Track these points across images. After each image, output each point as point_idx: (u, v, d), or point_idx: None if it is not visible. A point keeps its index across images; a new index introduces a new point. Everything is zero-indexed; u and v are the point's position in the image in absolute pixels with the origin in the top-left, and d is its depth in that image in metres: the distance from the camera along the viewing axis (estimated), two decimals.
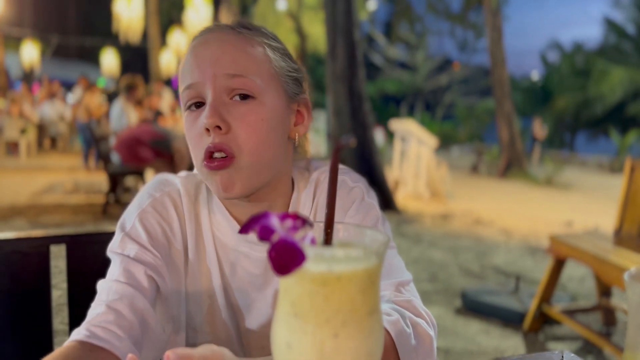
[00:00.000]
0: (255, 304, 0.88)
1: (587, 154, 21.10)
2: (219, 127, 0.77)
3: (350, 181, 0.92)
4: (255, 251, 0.87)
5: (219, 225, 0.88)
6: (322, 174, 0.93)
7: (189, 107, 0.82)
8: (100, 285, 0.81)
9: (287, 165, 0.88)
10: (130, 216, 0.87)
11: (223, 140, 0.78)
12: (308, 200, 0.90)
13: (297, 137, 0.88)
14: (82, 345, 0.69)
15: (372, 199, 0.92)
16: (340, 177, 0.92)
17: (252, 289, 0.88)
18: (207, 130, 0.78)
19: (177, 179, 0.92)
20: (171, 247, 0.87)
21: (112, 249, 0.84)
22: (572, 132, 24.63)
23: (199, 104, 0.81)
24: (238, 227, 0.87)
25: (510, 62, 13.78)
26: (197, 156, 0.81)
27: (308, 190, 0.91)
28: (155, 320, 0.79)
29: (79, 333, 0.71)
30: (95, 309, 0.75)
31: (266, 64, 0.82)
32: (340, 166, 0.94)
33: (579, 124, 23.71)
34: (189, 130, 0.82)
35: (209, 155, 0.79)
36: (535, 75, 28.97)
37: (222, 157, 0.78)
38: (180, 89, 0.82)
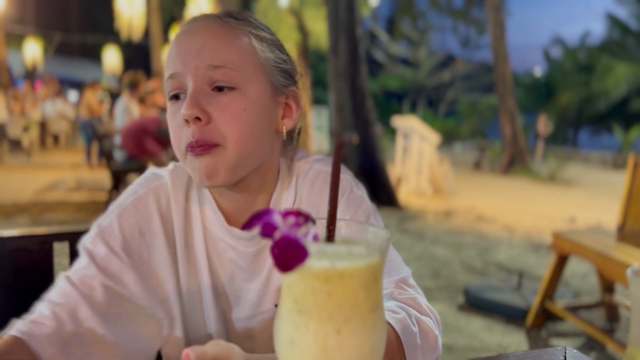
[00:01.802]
0: (242, 294, 0.88)
1: (590, 150, 21.04)
2: (198, 119, 0.76)
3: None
4: (241, 245, 0.86)
5: (208, 216, 0.88)
6: (305, 164, 0.92)
7: (171, 98, 0.81)
8: (59, 279, 0.81)
9: (274, 157, 0.88)
10: (110, 213, 0.86)
11: (203, 132, 0.76)
12: (290, 193, 0.90)
13: (284, 130, 0.86)
14: (17, 340, 0.72)
15: (361, 190, 0.91)
16: (323, 169, 0.91)
17: (238, 280, 0.88)
18: (187, 121, 0.77)
19: (166, 172, 0.90)
20: (150, 248, 0.85)
21: (83, 243, 0.83)
22: (575, 128, 24.56)
23: (181, 95, 0.80)
24: (223, 218, 0.86)
25: (513, 58, 13.71)
26: (178, 147, 0.80)
27: (291, 180, 0.90)
28: (105, 330, 0.77)
29: (17, 328, 0.73)
30: (41, 308, 0.77)
31: (251, 54, 0.80)
32: (321, 157, 0.95)
33: (582, 120, 23.64)
34: (171, 121, 0.81)
35: (189, 148, 0.78)
36: (538, 71, 28.89)
37: (206, 144, 0.77)
38: (164, 77, 0.81)
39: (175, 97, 0.80)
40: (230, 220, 0.87)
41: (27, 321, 0.75)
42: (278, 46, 0.85)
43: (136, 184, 0.90)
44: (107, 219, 0.85)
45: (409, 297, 0.80)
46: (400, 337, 0.70)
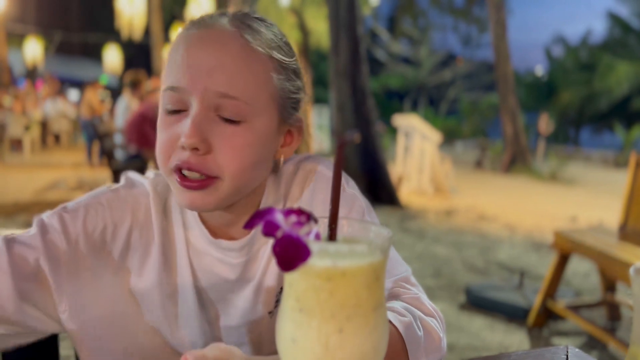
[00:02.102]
0: (232, 303, 0.83)
1: (592, 149, 21.04)
2: (196, 149, 0.70)
3: (327, 170, 0.87)
4: (231, 257, 0.81)
5: (192, 231, 0.82)
6: (291, 165, 0.88)
7: (169, 111, 0.73)
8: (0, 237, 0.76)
9: (265, 178, 0.83)
10: (81, 200, 0.81)
11: (199, 162, 0.70)
12: (279, 195, 0.86)
13: (282, 159, 0.82)
14: None
15: (353, 188, 0.88)
16: (313, 166, 0.87)
17: (227, 292, 0.83)
18: (183, 147, 0.70)
19: (146, 181, 0.84)
20: (105, 249, 0.78)
21: (40, 215, 0.79)
22: (576, 127, 24.55)
23: (180, 111, 0.73)
24: (208, 232, 0.81)
25: (515, 56, 13.69)
26: (165, 163, 0.73)
27: (279, 184, 0.86)
28: (14, 308, 0.71)
29: None
30: None
31: (267, 84, 0.73)
32: (312, 155, 0.91)
33: (584, 118, 23.64)
34: (162, 132, 0.74)
35: (178, 170, 0.72)
36: (540, 70, 28.88)
37: (199, 178, 0.71)
38: (164, 82, 0.74)
39: (173, 111, 0.73)
40: (216, 233, 0.82)
41: None
42: (295, 72, 0.79)
43: (116, 185, 0.84)
44: (75, 203, 0.80)
45: (412, 296, 0.79)
46: (405, 340, 0.70)
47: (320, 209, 0.83)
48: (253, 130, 0.73)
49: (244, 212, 0.82)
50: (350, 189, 0.87)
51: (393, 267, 0.84)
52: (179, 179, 0.72)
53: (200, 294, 0.82)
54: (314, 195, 0.85)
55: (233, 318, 0.83)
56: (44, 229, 0.76)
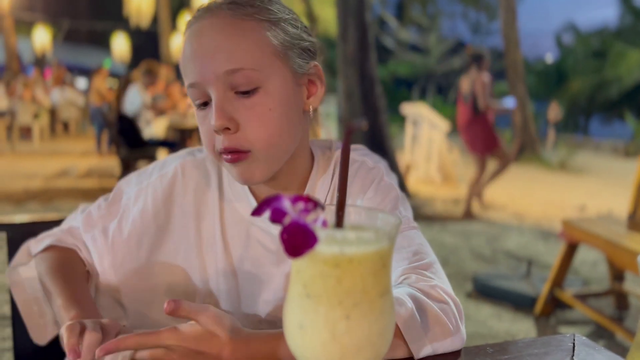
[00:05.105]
0: (272, 278, 0.88)
1: (602, 137, 20.84)
2: (227, 128, 0.77)
3: (371, 162, 0.92)
4: (272, 227, 0.87)
5: (240, 202, 0.89)
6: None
7: (197, 106, 0.81)
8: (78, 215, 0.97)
9: (304, 138, 0.87)
10: (145, 173, 0.95)
11: (233, 141, 0.77)
12: (327, 178, 0.90)
13: (311, 109, 0.85)
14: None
15: (392, 179, 0.92)
16: (360, 158, 0.92)
17: (268, 263, 0.88)
18: (216, 131, 0.78)
19: (202, 153, 0.94)
20: (165, 219, 0.90)
21: (120, 182, 0.96)
22: (586, 115, 24.32)
23: (206, 102, 0.80)
24: (254, 201, 0.88)
25: (524, 44, 13.55)
26: (211, 150, 0.82)
27: (328, 168, 0.91)
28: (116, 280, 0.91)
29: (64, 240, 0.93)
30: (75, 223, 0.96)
31: (266, 46, 0.77)
32: (361, 147, 0.95)
33: (594, 107, 23.40)
34: (201, 126, 0.82)
35: (221, 153, 0.80)
36: (550, 57, 28.56)
37: (236, 152, 0.78)
38: (185, 83, 0.81)
39: (201, 105, 0.81)
40: None
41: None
42: (290, 21, 0.82)
43: (183, 160, 0.93)
44: (148, 174, 0.94)
45: (426, 283, 0.77)
46: (400, 328, 0.69)
47: (359, 195, 0.88)
48: (270, 94, 0.78)
49: (291, 186, 0.88)
50: (388, 179, 0.91)
51: (416, 255, 0.82)
52: (223, 156, 0.79)
53: (244, 263, 0.88)
54: (352, 182, 0.89)
55: (271, 292, 0.88)
56: (118, 196, 0.94)
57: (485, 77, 5.42)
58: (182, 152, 0.96)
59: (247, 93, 0.77)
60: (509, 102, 8.59)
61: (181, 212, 0.90)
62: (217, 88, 0.76)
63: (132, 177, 0.96)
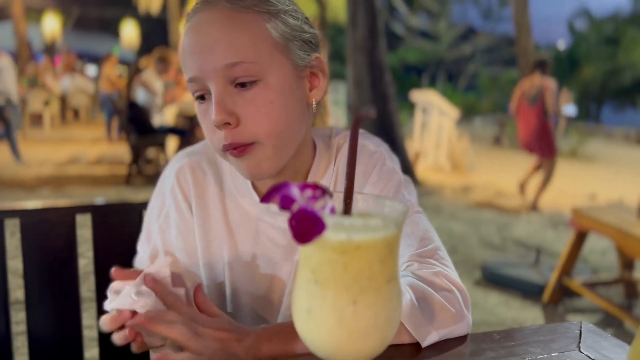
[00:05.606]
0: (282, 272, 0.88)
1: (614, 125, 20.60)
2: (228, 123, 0.76)
3: (372, 145, 0.91)
4: (279, 221, 0.87)
5: (244, 197, 0.89)
6: (342, 139, 0.92)
7: (197, 99, 0.80)
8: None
9: (308, 132, 0.87)
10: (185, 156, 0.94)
11: (235, 135, 0.76)
12: (330, 166, 0.90)
13: (314, 102, 0.84)
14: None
15: (394, 163, 0.91)
16: (360, 142, 0.90)
17: (279, 257, 0.88)
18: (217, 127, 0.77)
19: (202, 147, 0.94)
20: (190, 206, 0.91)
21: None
22: (598, 102, 24.04)
23: (206, 95, 0.79)
24: (257, 197, 0.88)
25: (536, 30, 13.41)
26: (215, 146, 0.81)
27: (329, 157, 0.90)
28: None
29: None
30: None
31: (265, 39, 0.76)
32: (361, 131, 0.92)
33: (606, 94, 23.12)
34: (202, 121, 0.81)
35: (227, 149, 0.79)
36: (562, 44, 28.19)
37: (240, 145, 0.77)
38: (185, 76, 0.80)
39: (200, 98, 0.80)
40: None
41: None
42: (291, 13, 0.80)
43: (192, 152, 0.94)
44: (188, 157, 0.93)
45: (429, 271, 0.77)
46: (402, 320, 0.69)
47: (362, 181, 0.88)
48: (270, 87, 0.76)
49: (294, 179, 0.87)
50: (391, 164, 0.90)
51: (421, 241, 0.82)
52: (229, 151, 0.78)
53: (253, 259, 0.88)
54: (365, 172, 0.89)
55: (282, 285, 0.88)
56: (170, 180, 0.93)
57: (552, 82, 5.66)
58: (178, 156, 0.95)
59: (246, 86, 0.76)
60: (570, 110, 8.85)
61: (189, 212, 0.90)
62: (216, 82, 0.75)
63: (150, 212, 0.94)
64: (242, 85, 0.76)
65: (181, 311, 0.71)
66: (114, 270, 0.75)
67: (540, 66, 5.76)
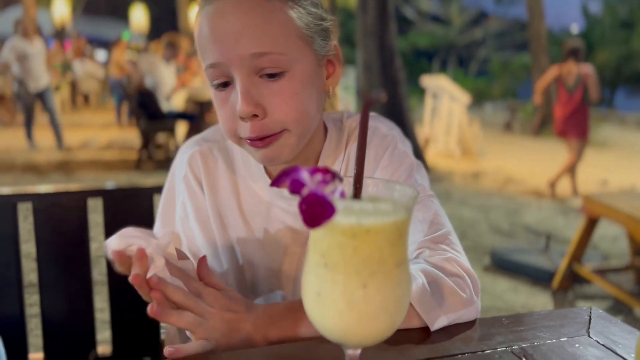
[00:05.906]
0: (295, 256, 0.89)
1: (627, 110, 20.32)
2: (255, 115, 0.74)
3: (385, 128, 0.91)
4: (293, 206, 0.87)
5: (257, 182, 0.89)
6: (354, 122, 0.92)
7: (216, 86, 0.78)
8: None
9: (321, 117, 0.87)
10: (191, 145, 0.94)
11: (262, 128, 0.75)
12: (341, 150, 0.90)
13: (331, 89, 0.85)
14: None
15: (407, 147, 0.90)
16: (373, 124, 0.90)
17: (291, 242, 0.88)
18: (242, 117, 0.75)
19: (212, 132, 0.95)
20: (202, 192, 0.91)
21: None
22: (611, 87, 23.71)
23: (227, 83, 0.77)
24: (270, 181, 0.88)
25: (549, 14, 13.19)
26: (233, 134, 0.79)
27: (340, 141, 0.90)
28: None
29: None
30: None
31: (292, 29, 0.75)
32: (373, 114, 0.93)
33: (620, 79, 22.78)
34: (220, 110, 0.79)
35: (251, 140, 0.78)
36: (575, 28, 27.75)
37: (267, 137, 0.77)
38: (203, 63, 0.77)
39: (220, 85, 0.77)
40: None
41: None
42: (312, 2, 0.79)
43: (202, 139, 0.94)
44: (198, 145, 0.93)
45: (440, 257, 0.77)
46: (411, 299, 0.70)
47: (373, 164, 0.87)
48: (297, 77, 0.76)
49: (305, 163, 0.87)
50: (403, 147, 0.90)
51: (431, 226, 0.82)
52: (249, 142, 0.78)
53: (266, 243, 0.89)
54: (367, 151, 0.87)
55: (295, 267, 0.89)
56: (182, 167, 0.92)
57: (591, 69, 5.73)
58: (188, 144, 0.94)
59: (273, 76, 0.74)
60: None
61: (204, 199, 0.91)
62: (241, 71, 0.74)
63: (160, 211, 0.94)
64: (270, 76, 0.74)
65: (188, 285, 0.71)
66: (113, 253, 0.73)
67: (574, 53, 5.76)
